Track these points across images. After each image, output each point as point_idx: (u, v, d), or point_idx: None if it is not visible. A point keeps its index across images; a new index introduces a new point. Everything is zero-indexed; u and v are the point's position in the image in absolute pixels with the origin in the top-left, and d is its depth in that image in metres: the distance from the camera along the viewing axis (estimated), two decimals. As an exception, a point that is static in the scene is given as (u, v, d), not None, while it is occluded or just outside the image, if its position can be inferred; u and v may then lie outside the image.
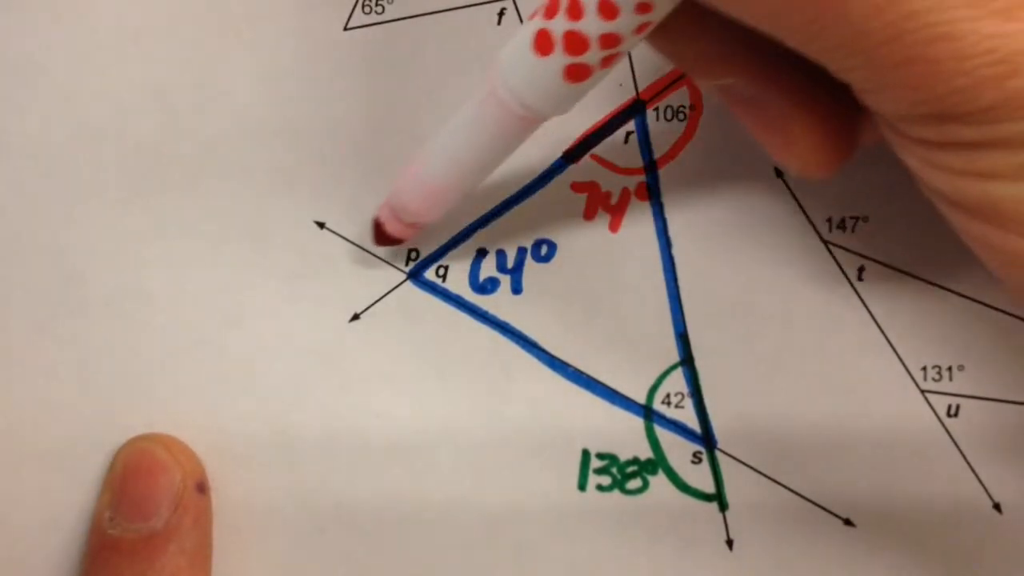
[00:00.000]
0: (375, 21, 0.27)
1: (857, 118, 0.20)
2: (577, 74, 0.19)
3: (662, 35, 0.19)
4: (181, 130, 0.26)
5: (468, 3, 0.26)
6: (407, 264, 0.26)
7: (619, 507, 0.25)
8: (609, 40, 0.19)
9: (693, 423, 0.25)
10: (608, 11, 0.18)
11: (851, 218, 0.26)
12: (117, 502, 0.24)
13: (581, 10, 0.19)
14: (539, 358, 0.26)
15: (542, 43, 0.19)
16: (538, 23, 0.19)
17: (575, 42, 0.19)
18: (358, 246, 0.26)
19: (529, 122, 0.21)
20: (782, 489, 0.25)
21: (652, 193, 0.26)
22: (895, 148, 0.19)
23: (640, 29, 0.19)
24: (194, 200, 0.26)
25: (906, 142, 0.18)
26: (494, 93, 0.20)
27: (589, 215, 0.26)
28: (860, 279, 0.25)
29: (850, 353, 0.25)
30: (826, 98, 0.20)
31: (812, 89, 0.20)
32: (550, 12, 0.19)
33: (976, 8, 0.15)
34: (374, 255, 0.26)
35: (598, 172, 0.26)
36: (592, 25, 0.19)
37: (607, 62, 0.19)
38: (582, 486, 0.25)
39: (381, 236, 0.25)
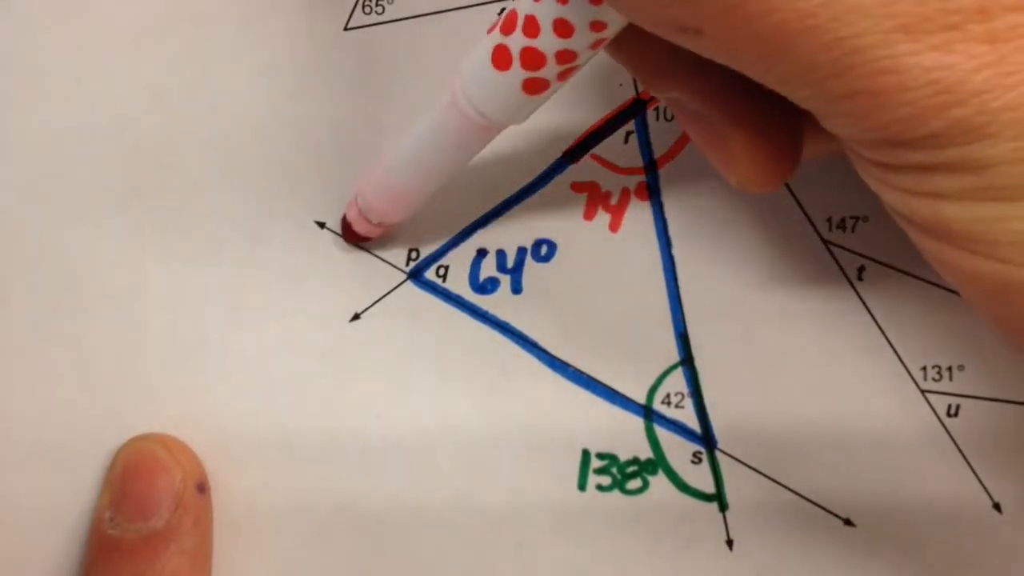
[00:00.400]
0: (375, 21, 0.27)
1: (798, 136, 0.21)
2: (535, 87, 0.20)
3: (615, 47, 0.20)
4: (181, 130, 0.26)
5: (468, 3, 0.26)
6: (407, 264, 0.26)
7: (619, 507, 0.25)
8: (565, 56, 0.19)
9: (693, 423, 0.25)
10: (564, 29, 0.19)
11: (851, 218, 0.26)
12: (117, 502, 0.24)
13: (538, 28, 0.19)
14: (539, 358, 0.26)
15: (500, 58, 0.20)
16: (496, 38, 0.20)
17: (532, 58, 0.19)
18: (358, 246, 0.26)
19: (488, 130, 0.22)
20: (782, 489, 0.25)
21: (652, 193, 0.26)
22: (856, 168, 0.19)
23: (595, 45, 0.19)
24: (194, 200, 0.26)
25: (864, 163, 0.19)
26: (455, 102, 0.21)
27: (589, 215, 0.26)
28: (860, 279, 0.25)
29: (850, 353, 0.25)
30: (767, 117, 0.20)
31: (753, 108, 0.20)
32: (507, 28, 0.20)
33: (917, 43, 0.16)
34: (374, 255, 0.26)
35: (598, 172, 0.26)
36: (548, 42, 0.19)
37: (564, 76, 0.20)
38: (582, 486, 0.25)
39: (350, 234, 0.25)
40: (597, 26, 0.19)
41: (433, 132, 0.22)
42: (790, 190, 0.26)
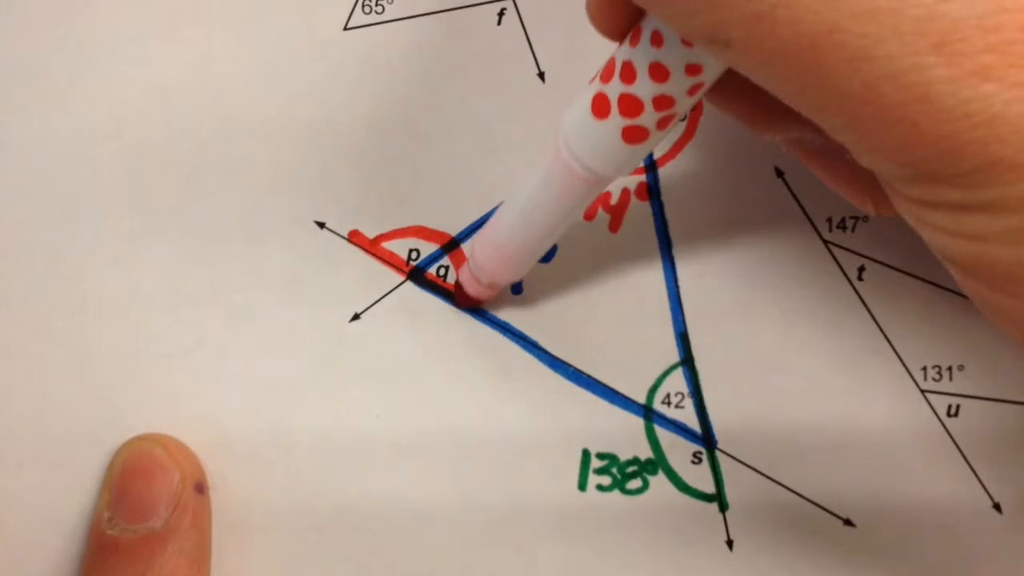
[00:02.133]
0: (375, 21, 0.27)
1: None
2: (634, 136, 0.20)
3: (719, 92, 0.20)
4: (181, 130, 0.26)
5: (468, 3, 0.26)
6: (407, 264, 0.26)
7: (619, 507, 0.25)
8: (662, 102, 0.19)
9: (693, 423, 0.25)
10: (659, 74, 0.19)
11: (851, 218, 0.26)
12: (116, 502, 0.24)
13: (634, 73, 0.19)
14: (539, 358, 0.26)
15: (600, 106, 0.20)
16: (596, 87, 0.20)
17: (630, 104, 0.19)
18: (358, 246, 0.26)
19: (592, 183, 0.21)
20: (782, 489, 0.25)
21: (652, 193, 0.26)
22: (894, 204, 0.18)
23: (692, 90, 0.19)
24: (194, 200, 0.26)
25: (901, 200, 0.18)
26: (559, 157, 0.21)
27: (589, 215, 0.26)
28: (860, 279, 0.25)
29: (850, 353, 0.25)
30: None
31: None
32: (606, 76, 0.20)
33: (953, 67, 0.14)
34: (374, 255, 0.26)
35: (598, 172, 0.26)
36: (645, 87, 0.19)
37: (663, 124, 0.20)
38: (582, 486, 0.25)
39: (462, 297, 0.25)
40: (692, 70, 0.19)
41: (538, 191, 0.22)
42: (790, 190, 0.26)
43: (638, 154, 0.20)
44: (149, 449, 0.25)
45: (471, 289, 0.25)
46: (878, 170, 0.17)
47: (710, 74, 0.19)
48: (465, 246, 0.26)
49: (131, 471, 0.25)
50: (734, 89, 0.20)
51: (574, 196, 0.22)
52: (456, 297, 0.25)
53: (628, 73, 0.19)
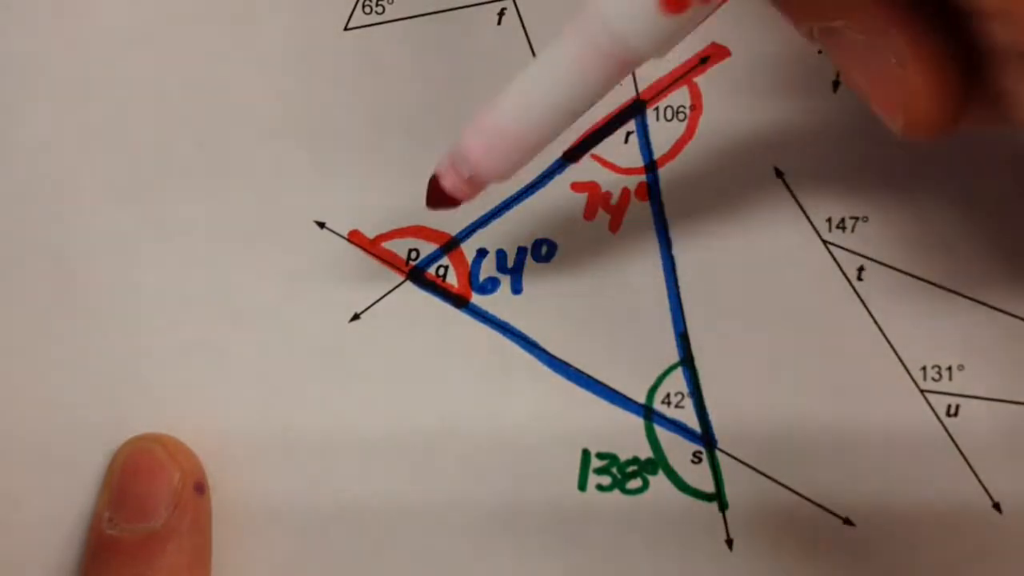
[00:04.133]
0: (375, 21, 0.27)
1: (972, 77, 0.18)
2: (672, 3, 0.18)
3: None
4: (181, 130, 0.26)
5: (468, 3, 0.26)
6: (407, 264, 0.26)
7: (619, 507, 0.25)
8: None
9: (693, 423, 0.25)
10: None
11: (851, 218, 0.26)
12: (116, 502, 0.24)
13: None
14: (539, 358, 0.26)
15: None
16: None
17: None
18: (358, 246, 0.26)
19: (616, 62, 0.19)
20: (782, 489, 0.25)
21: (652, 193, 0.26)
22: (1013, 96, 0.17)
23: None
24: (194, 200, 0.26)
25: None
26: (584, 27, 0.18)
27: (589, 215, 0.26)
28: (860, 279, 0.25)
29: (850, 353, 0.25)
30: (945, 46, 0.18)
31: (931, 35, 0.18)
32: None
33: None
34: (374, 255, 0.26)
35: (598, 172, 0.26)
36: None
37: None
38: (582, 486, 0.25)
39: (437, 192, 0.21)
40: None
41: (550, 67, 0.19)
42: (790, 190, 0.26)
43: (675, 29, 0.18)
44: (149, 449, 0.25)
45: (448, 181, 0.21)
46: (1019, 38, 0.15)
47: None
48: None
49: (131, 471, 0.25)
50: None
51: (590, 76, 0.19)
52: (428, 195, 0.21)
53: None
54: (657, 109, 0.26)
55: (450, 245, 0.26)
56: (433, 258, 0.26)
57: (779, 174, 0.26)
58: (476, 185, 0.21)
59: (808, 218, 0.26)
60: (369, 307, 0.26)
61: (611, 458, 0.25)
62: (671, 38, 0.18)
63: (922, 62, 0.18)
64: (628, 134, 0.26)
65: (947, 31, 0.18)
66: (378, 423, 0.26)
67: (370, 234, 0.26)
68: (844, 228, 0.26)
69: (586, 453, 0.25)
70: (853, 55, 0.19)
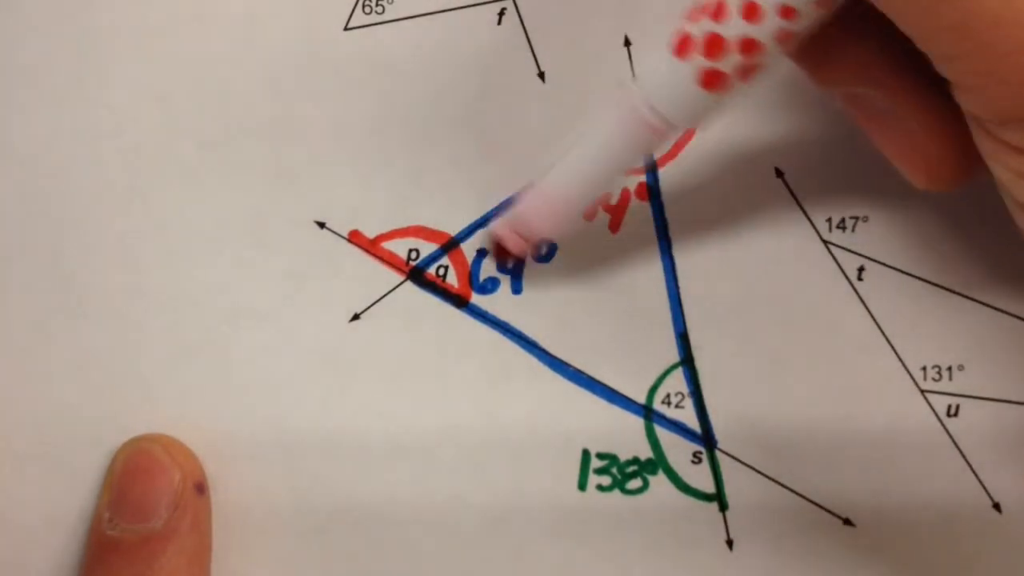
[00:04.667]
0: (375, 21, 0.27)
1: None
2: (712, 81, 0.19)
3: (800, 47, 0.19)
4: (181, 130, 0.26)
5: (468, 3, 0.26)
6: (407, 264, 0.26)
7: (619, 507, 0.25)
8: (748, 45, 0.19)
9: (693, 423, 0.25)
10: (751, 13, 0.18)
11: (851, 218, 0.26)
12: (116, 503, 0.24)
13: (725, 11, 0.18)
14: (539, 358, 0.26)
15: (682, 45, 0.19)
16: (682, 25, 0.19)
17: (714, 45, 0.19)
18: (358, 246, 0.26)
19: (658, 132, 0.20)
20: (782, 489, 0.25)
21: (652, 193, 0.26)
22: (986, 156, 0.18)
23: (782, 36, 0.18)
24: (194, 200, 0.26)
25: (1000, 149, 0.18)
26: (628, 102, 0.20)
27: (589, 215, 0.26)
28: (860, 279, 0.25)
29: (850, 353, 0.25)
30: (956, 115, 0.19)
31: (943, 104, 0.19)
32: (694, 15, 0.19)
33: None
34: (374, 255, 0.26)
35: (598, 172, 0.26)
36: (733, 27, 0.18)
37: (745, 73, 0.19)
38: (582, 486, 0.25)
39: (502, 254, 0.25)
40: (787, 12, 0.18)
41: (599, 137, 0.21)
42: (790, 190, 0.26)
43: (713, 103, 0.20)
44: (149, 449, 0.25)
45: (511, 243, 0.24)
46: (987, 110, 0.17)
47: (803, 22, 0.18)
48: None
49: (131, 471, 0.25)
50: (813, 43, 0.20)
51: (635, 144, 0.21)
52: (495, 255, 0.25)
53: (719, 11, 0.18)
54: (657, 109, 0.26)
55: (450, 245, 0.26)
56: (433, 258, 0.26)
57: (779, 174, 0.26)
58: (534, 245, 0.24)
59: (808, 218, 0.26)
60: (369, 307, 0.26)
61: (611, 458, 0.25)
62: (707, 111, 0.20)
63: (935, 131, 0.19)
64: (628, 134, 0.26)
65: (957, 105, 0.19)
66: (378, 423, 0.26)
67: (370, 234, 0.26)
68: (844, 228, 0.26)
69: (586, 453, 0.25)
70: (873, 118, 0.21)
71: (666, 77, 0.19)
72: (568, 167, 0.22)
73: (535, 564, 0.25)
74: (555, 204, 0.23)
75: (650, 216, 0.26)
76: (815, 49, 0.20)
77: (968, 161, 0.20)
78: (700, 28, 0.19)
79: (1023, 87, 0.16)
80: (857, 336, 0.25)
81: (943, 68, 0.17)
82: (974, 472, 0.25)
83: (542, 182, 0.23)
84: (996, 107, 0.17)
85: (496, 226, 0.24)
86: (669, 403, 0.25)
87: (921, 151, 0.20)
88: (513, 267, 0.26)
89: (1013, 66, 0.16)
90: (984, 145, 0.18)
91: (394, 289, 0.26)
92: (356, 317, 0.26)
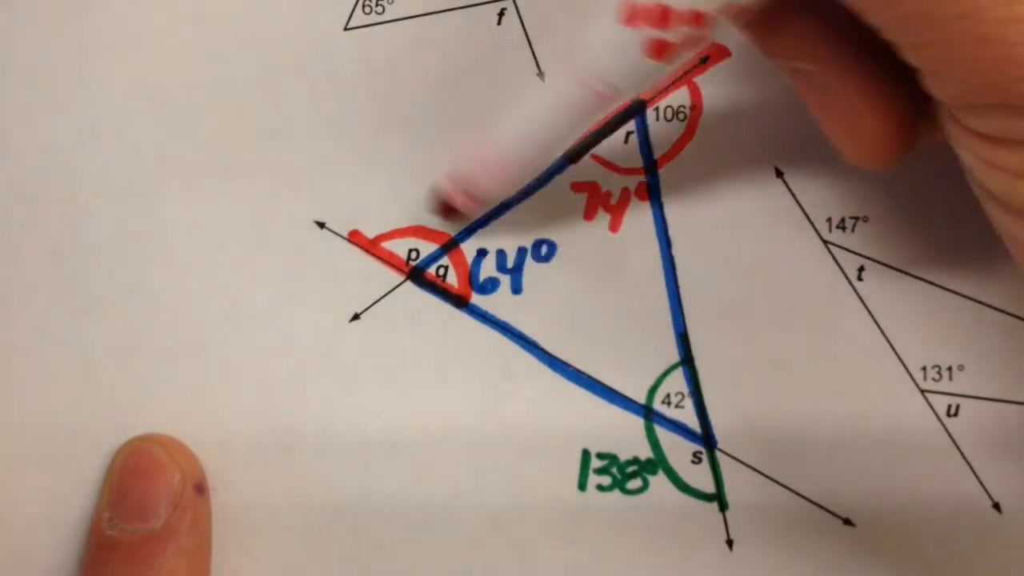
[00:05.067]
0: (375, 21, 0.27)
1: (919, 118, 0.20)
2: (659, 50, 0.19)
3: (744, 16, 0.20)
4: (181, 130, 0.26)
5: (468, 3, 0.26)
6: (407, 264, 0.26)
7: (619, 507, 0.25)
8: (696, 18, 0.19)
9: (693, 423, 0.25)
10: None
11: (851, 218, 0.26)
12: (116, 503, 0.24)
13: None
14: (539, 358, 0.26)
15: (631, 15, 0.19)
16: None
17: (662, 16, 0.19)
18: (358, 246, 0.26)
19: (605, 98, 0.21)
20: (782, 489, 0.25)
21: (652, 193, 0.26)
22: (952, 142, 0.19)
23: (730, 11, 0.19)
24: (194, 200, 0.26)
25: (964, 135, 0.18)
26: (575, 69, 0.21)
27: (589, 215, 0.26)
28: (860, 279, 0.25)
29: (850, 353, 0.25)
30: (894, 95, 0.20)
31: (883, 82, 0.20)
32: None
33: None
34: (374, 255, 0.26)
35: (598, 172, 0.26)
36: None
37: (692, 43, 0.19)
38: (582, 486, 0.25)
39: (447, 210, 0.25)
40: None
41: (546, 101, 0.22)
42: (790, 190, 0.26)
43: (660, 72, 0.20)
44: (149, 449, 0.25)
45: (459, 201, 0.24)
46: (953, 97, 0.17)
47: None
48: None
49: (131, 471, 0.25)
50: (759, 15, 0.20)
51: (587, 111, 0.21)
52: (440, 211, 0.25)
53: None
54: (657, 109, 0.26)
55: (450, 245, 0.26)
56: (433, 258, 0.26)
57: (779, 174, 0.26)
58: (481, 203, 0.24)
59: (808, 218, 0.26)
60: (369, 307, 0.26)
61: (611, 458, 0.25)
62: (656, 78, 0.20)
63: (871, 111, 0.20)
64: (628, 134, 0.26)
65: (899, 79, 0.19)
66: (378, 423, 0.26)
67: (370, 234, 0.26)
68: (844, 228, 0.26)
69: (586, 453, 0.25)
70: (815, 95, 0.21)
71: (614, 45, 0.20)
72: (518, 130, 0.23)
73: (535, 564, 0.25)
74: (504, 166, 0.23)
75: (650, 216, 0.26)
76: (761, 22, 0.20)
77: (903, 140, 0.20)
78: None
79: (981, 75, 0.16)
80: (857, 336, 0.25)
81: (907, 55, 0.17)
82: (974, 472, 0.25)
83: (491, 143, 0.23)
84: (957, 93, 0.17)
85: (443, 182, 0.24)
86: (669, 403, 0.25)
87: (858, 127, 0.20)
88: (513, 267, 0.26)
89: (972, 55, 0.16)
90: (950, 130, 0.18)
91: (394, 289, 0.26)
92: (356, 317, 0.26)
